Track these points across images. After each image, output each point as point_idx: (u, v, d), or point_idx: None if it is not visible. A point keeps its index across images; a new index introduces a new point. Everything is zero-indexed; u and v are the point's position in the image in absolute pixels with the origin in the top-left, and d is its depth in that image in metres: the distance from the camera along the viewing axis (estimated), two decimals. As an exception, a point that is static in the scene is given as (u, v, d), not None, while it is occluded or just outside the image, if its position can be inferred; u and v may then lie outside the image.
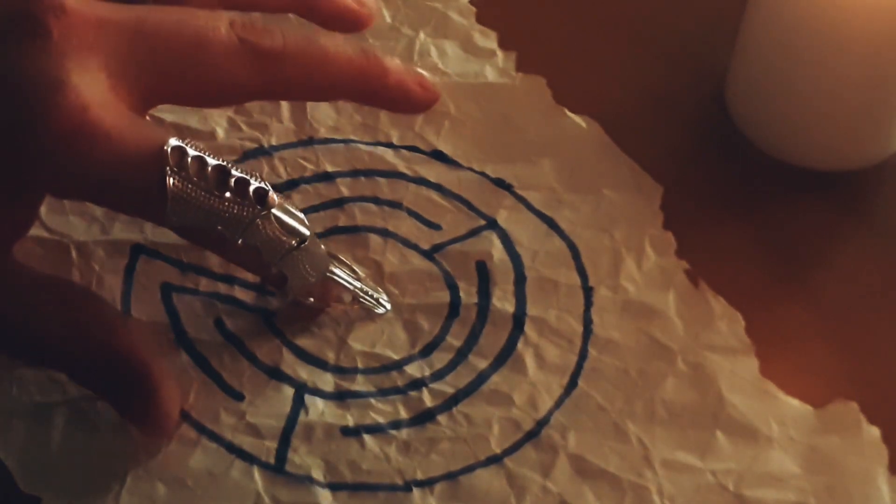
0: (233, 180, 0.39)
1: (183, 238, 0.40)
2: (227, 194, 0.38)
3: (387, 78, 0.43)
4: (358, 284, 0.43)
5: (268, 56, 0.40)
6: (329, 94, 0.43)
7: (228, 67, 0.40)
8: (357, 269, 0.44)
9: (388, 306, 0.44)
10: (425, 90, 0.44)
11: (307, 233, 0.40)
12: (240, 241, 0.39)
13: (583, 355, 0.43)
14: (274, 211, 0.39)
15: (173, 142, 0.38)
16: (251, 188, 0.39)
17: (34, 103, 0.37)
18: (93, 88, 0.37)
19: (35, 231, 0.43)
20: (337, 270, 0.43)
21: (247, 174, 0.39)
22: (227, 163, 0.39)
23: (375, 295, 0.43)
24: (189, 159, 0.38)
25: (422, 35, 0.51)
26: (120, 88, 0.38)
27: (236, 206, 0.38)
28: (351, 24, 0.45)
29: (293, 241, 0.40)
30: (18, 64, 0.37)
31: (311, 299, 0.43)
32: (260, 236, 0.39)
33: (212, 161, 0.38)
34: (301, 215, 0.40)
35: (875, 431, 0.42)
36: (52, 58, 0.37)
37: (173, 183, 0.38)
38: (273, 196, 0.39)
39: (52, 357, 0.40)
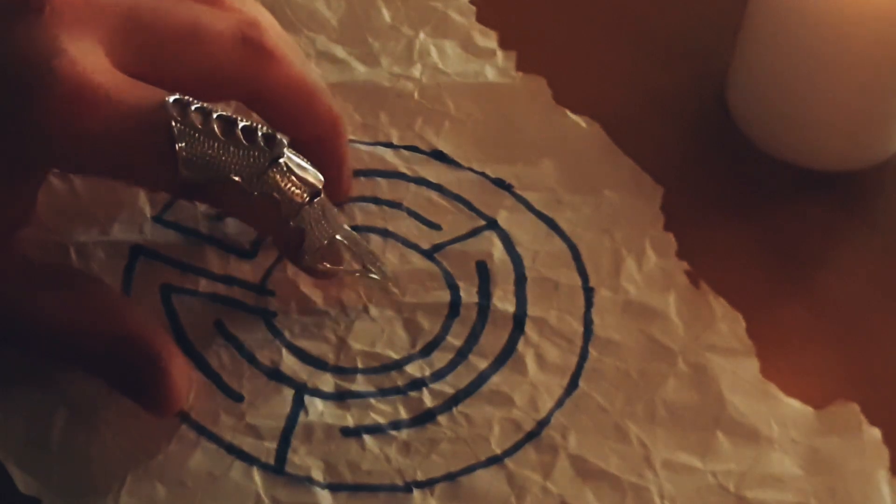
0: (240, 128, 0.38)
1: (196, 201, 0.40)
2: (236, 142, 0.38)
3: (341, 150, 0.44)
4: (367, 248, 0.43)
5: (266, 56, 0.41)
6: (298, 122, 0.43)
7: (224, 58, 0.40)
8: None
9: (392, 279, 0.43)
10: (347, 188, 0.45)
11: (321, 181, 0.40)
12: (256, 193, 0.39)
13: (583, 356, 0.43)
14: (285, 159, 0.39)
15: (173, 97, 0.38)
16: (259, 134, 0.39)
17: (31, 73, 0.37)
18: (88, 55, 0.37)
19: (35, 232, 0.43)
20: (348, 234, 0.42)
21: (252, 123, 0.39)
22: (231, 114, 0.39)
23: (379, 264, 0.43)
24: (192, 111, 0.38)
25: (421, 34, 0.51)
26: (114, 62, 0.38)
27: (248, 153, 0.38)
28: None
29: (310, 192, 0.39)
30: (12, 39, 0.37)
31: (325, 265, 0.42)
32: (276, 186, 0.39)
33: (215, 112, 0.38)
34: (312, 168, 0.40)
35: (876, 433, 0.42)
36: (46, 31, 0.37)
37: (179, 132, 0.37)
38: (283, 141, 0.39)
39: (59, 344, 0.40)
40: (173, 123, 0.37)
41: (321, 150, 0.43)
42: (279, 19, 0.46)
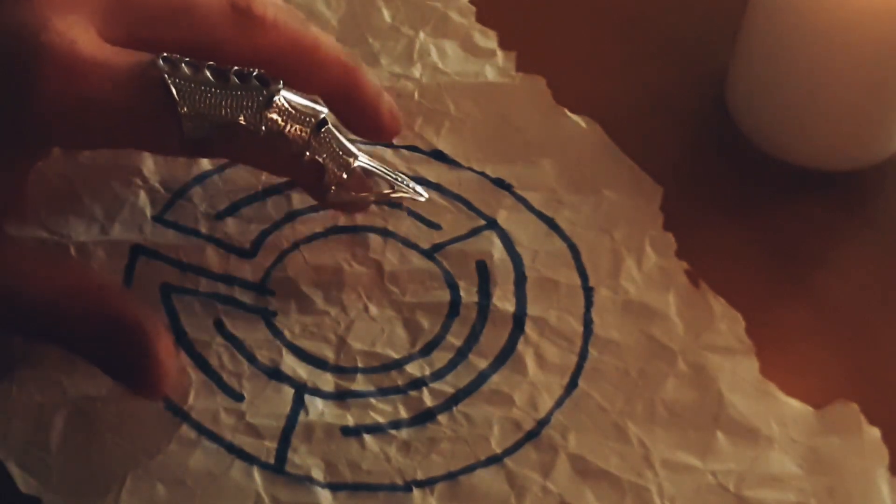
0: (232, 73, 0.39)
1: (206, 157, 0.39)
2: (232, 86, 0.38)
3: (365, 90, 0.43)
4: (393, 172, 0.43)
5: (258, 22, 0.41)
6: (309, 79, 0.42)
7: (215, 28, 0.40)
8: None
9: (426, 195, 0.43)
10: (392, 119, 0.44)
11: (325, 109, 0.40)
12: (263, 130, 0.39)
13: (583, 355, 0.43)
14: (283, 94, 0.39)
15: (163, 55, 0.38)
16: (253, 76, 0.39)
17: (21, 50, 0.37)
18: (76, 30, 0.38)
19: (35, 232, 0.43)
20: (367, 160, 0.42)
21: (244, 69, 0.39)
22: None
23: (411, 183, 0.43)
24: (183, 65, 0.38)
25: (422, 35, 0.51)
26: (106, 40, 0.39)
27: (245, 93, 0.39)
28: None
29: (314, 122, 0.39)
30: (2, 20, 0.37)
31: (353, 194, 0.42)
32: (281, 121, 0.39)
33: (206, 63, 0.39)
34: (312, 102, 0.40)
35: (875, 432, 0.42)
36: (35, 11, 0.38)
37: (175, 86, 0.38)
38: (277, 79, 0.39)
39: (45, 325, 0.39)
40: (166, 77, 0.38)
41: (346, 97, 0.43)
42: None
